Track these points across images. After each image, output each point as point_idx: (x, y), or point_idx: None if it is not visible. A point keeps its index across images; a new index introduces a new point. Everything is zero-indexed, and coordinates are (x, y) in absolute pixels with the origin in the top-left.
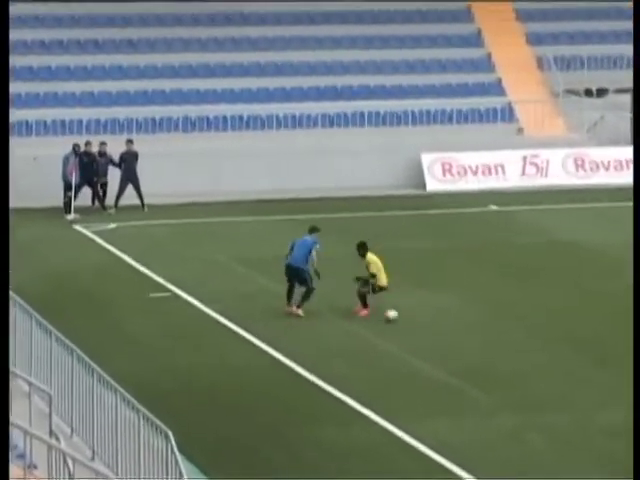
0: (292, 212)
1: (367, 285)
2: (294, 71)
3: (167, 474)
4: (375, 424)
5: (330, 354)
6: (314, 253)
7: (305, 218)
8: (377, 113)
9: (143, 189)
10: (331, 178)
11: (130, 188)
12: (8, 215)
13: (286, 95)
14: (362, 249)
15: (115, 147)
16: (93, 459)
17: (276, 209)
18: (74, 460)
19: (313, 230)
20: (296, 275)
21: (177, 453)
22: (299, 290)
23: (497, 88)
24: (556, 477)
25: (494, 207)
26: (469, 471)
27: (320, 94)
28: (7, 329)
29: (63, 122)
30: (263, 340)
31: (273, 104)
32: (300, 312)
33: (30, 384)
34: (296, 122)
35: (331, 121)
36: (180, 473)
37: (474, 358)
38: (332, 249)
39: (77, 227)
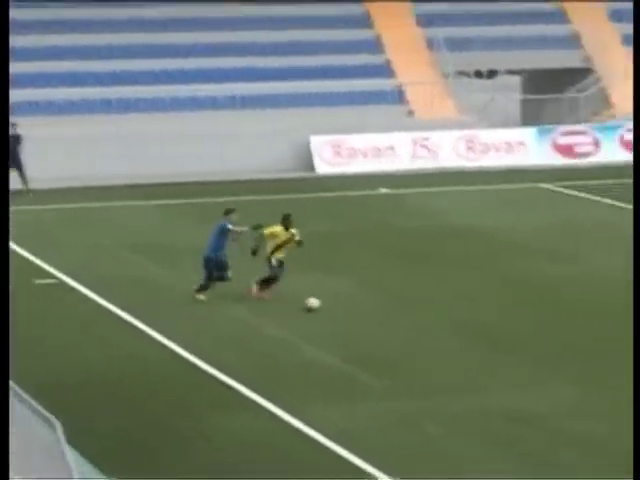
0: (179, 196)
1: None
2: (178, 52)
3: (55, 467)
4: (268, 412)
5: (223, 342)
6: (230, 235)
7: (193, 202)
8: (265, 95)
9: (27, 173)
10: (218, 162)
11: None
12: (8, 214)
13: (170, 77)
14: (289, 221)
15: None
16: None
17: (163, 193)
18: None
19: (225, 212)
20: (211, 265)
21: (65, 445)
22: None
23: (387, 70)
24: (451, 462)
25: (384, 190)
26: (363, 457)
27: (207, 76)
28: (7, 325)
29: None
30: (154, 328)
31: (159, 86)
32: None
33: None
34: (182, 105)
35: (218, 104)
36: (68, 465)
37: (368, 343)
38: None
39: None
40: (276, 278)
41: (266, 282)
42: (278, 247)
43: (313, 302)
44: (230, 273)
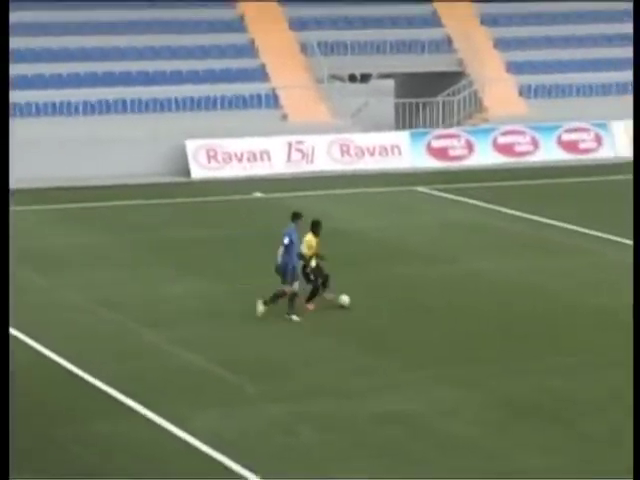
0: (53, 202)
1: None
2: (51, 57)
3: None
4: (145, 418)
5: (100, 349)
6: (281, 249)
7: (67, 207)
8: (139, 100)
9: None
10: (94, 167)
11: None
12: (8, 212)
13: (44, 82)
14: (319, 227)
15: None
16: None
17: (38, 198)
18: None
19: (292, 218)
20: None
21: None
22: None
23: (261, 74)
24: (324, 465)
25: (259, 194)
26: (239, 462)
27: (80, 81)
28: (7, 321)
29: None
30: (29, 335)
31: (33, 91)
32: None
33: None
34: (57, 109)
35: (92, 108)
36: None
37: (243, 348)
38: (94, 238)
39: None
40: (318, 289)
41: (312, 295)
42: (311, 257)
43: (345, 299)
44: (293, 285)
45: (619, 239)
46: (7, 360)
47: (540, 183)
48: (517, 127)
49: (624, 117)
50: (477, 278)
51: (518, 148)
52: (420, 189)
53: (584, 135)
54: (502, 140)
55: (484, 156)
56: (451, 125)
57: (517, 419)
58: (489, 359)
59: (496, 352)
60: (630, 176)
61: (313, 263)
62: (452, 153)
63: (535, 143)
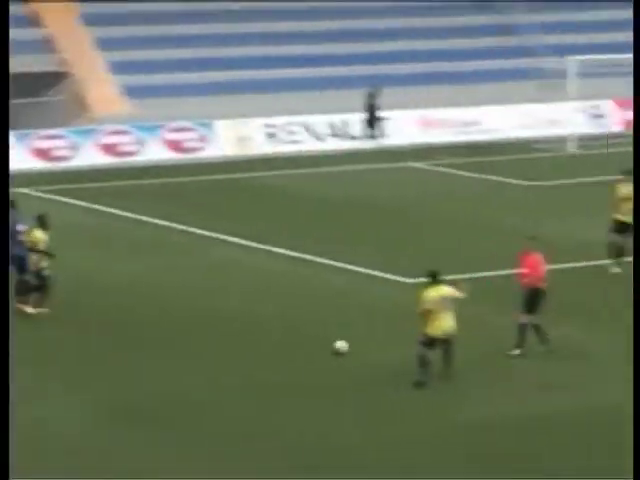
0: None
1: None
2: None
3: None
4: None
5: None
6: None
7: None
8: None
9: None
10: None
11: None
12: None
13: None
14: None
15: None
16: None
17: None
18: None
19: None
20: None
21: None
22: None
23: None
24: None
25: None
26: None
27: None
28: (7, 329)
29: None
30: None
31: None
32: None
33: None
34: None
35: None
36: None
37: None
38: None
39: None
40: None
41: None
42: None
43: (342, 345)
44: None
45: (226, 237)
46: (7, 362)
47: (146, 182)
48: (121, 127)
49: (229, 116)
50: (82, 279)
51: (122, 148)
52: (24, 191)
53: (188, 134)
54: (106, 140)
55: (89, 156)
56: (55, 126)
57: (126, 422)
58: (100, 363)
59: (107, 356)
60: (235, 175)
61: (45, 263)
62: (56, 154)
63: (140, 142)
